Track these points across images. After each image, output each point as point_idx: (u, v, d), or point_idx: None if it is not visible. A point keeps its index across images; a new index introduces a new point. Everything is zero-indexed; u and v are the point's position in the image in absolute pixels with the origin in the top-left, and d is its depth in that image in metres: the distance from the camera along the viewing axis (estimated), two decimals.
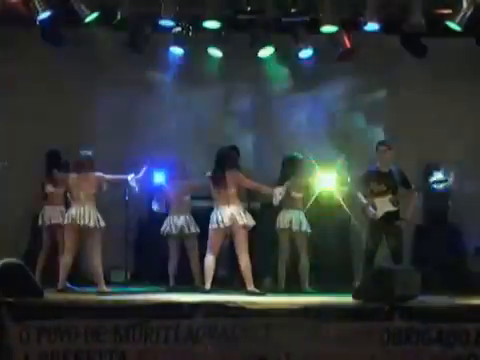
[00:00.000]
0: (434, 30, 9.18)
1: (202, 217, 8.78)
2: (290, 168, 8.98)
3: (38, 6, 8.77)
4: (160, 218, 9.10)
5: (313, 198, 9.28)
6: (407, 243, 9.29)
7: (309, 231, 8.98)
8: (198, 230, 9.01)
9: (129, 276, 9.69)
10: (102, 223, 8.41)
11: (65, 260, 8.44)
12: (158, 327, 6.84)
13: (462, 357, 7.00)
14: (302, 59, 9.89)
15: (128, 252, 9.70)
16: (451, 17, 8.81)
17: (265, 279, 9.43)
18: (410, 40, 9.88)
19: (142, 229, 10.09)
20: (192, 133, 10.25)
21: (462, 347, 6.99)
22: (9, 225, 9.84)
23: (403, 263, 8.69)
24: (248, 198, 9.29)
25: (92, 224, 8.33)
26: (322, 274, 9.35)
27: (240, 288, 8.59)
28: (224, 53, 9.93)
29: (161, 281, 9.08)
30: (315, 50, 9.80)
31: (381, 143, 8.81)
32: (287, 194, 8.79)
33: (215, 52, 9.96)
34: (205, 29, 9.41)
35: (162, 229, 9.04)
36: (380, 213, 8.59)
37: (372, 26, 9.05)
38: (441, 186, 8.61)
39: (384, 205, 8.61)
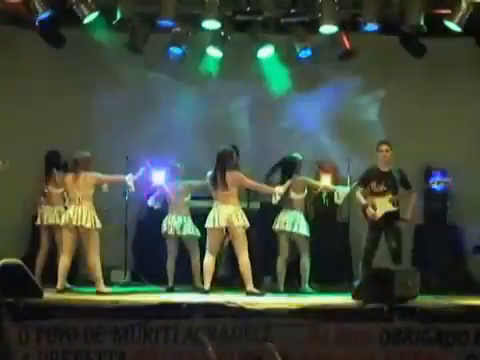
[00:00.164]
0: (433, 30, 9.16)
1: (202, 217, 8.77)
2: (290, 169, 8.98)
3: (38, 6, 8.75)
4: (160, 218, 9.09)
5: (313, 199, 9.32)
6: (407, 243, 9.29)
7: (306, 233, 8.91)
8: (197, 232, 8.98)
9: (129, 276, 9.69)
10: (98, 224, 8.41)
11: (63, 260, 8.44)
12: (157, 327, 6.85)
13: (461, 357, 7.01)
14: (302, 59, 9.88)
15: (128, 252, 9.72)
16: (450, 17, 8.79)
17: (265, 279, 9.44)
18: (409, 40, 9.88)
19: (141, 229, 10.09)
20: (192, 133, 10.24)
21: (461, 347, 7.01)
22: (9, 225, 9.84)
23: (402, 263, 8.68)
24: (248, 198, 9.28)
25: (89, 225, 8.33)
26: (322, 274, 9.34)
27: (240, 288, 8.60)
28: (224, 53, 9.93)
29: (161, 281, 9.07)
30: (314, 50, 9.79)
31: (381, 143, 8.81)
32: (286, 195, 8.79)
33: (215, 52, 9.96)
34: (205, 29, 9.40)
35: (162, 229, 9.04)
36: (380, 213, 8.59)
37: (371, 26, 9.05)
38: (441, 186, 8.60)
39: (384, 205, 8.61)
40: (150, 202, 9.10)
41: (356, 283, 8.60)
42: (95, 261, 8.37)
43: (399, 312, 7.01)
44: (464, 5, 8.63)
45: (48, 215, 9.09)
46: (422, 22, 8.82)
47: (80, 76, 10.16)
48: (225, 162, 8.56)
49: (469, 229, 10.07)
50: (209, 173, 8.66)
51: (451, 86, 10.34)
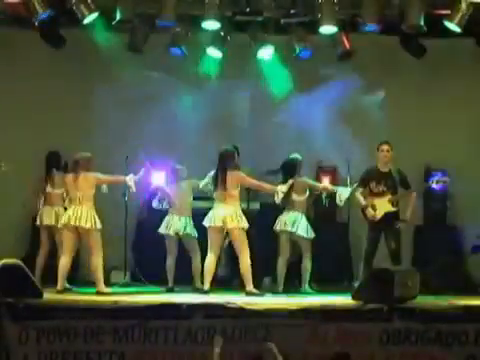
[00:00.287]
0: (433, 30, 9.16)
1: (203, 217, 8.76)
2: (291, 170, 8.97)
3: (38, 7, 8.75)
4: (160, 218, 9.09)
5: (313, 199, 9.32)
6: (406, 244, 9.30)
7: (306, 234, 8.91)
8: (196, 234, 8.98)
9: (128, 276, 9.69)
10: (99, 224, 8.41)
11: (63, 261, 8.43)
12: (157, 328, 6.85)
13: (461, 357, 7.02)
14: (301, 59, 9.88)
15: (128, 252, 9.72)
16: (450, 18, 8.79)
17: (264, 280, 9.44)
18: (409, 40, 9.89)
19: (141, 229, 10.09)
20: (192, 133, 10.23)
21: (461, 347, 7.02)
22: (9, 225, 9.85)
23: (402, 264, 8.68)
24: (248, 198, 9.28)
25: (88, 225, 8.32)
26: (322, 274, 9.34)
27: (239, 288, 8.60)
28: (223, 53, 9.94)
29: (160, 281, 9.07)
30: (314, 50, 9.80)
31: (382, 143, 8.80)
32: (288, 197, 8.78)
33: (214, 52, 9.96)
34: (204, 29, 9.40)
35: (161, 228, 9.04)
36: (379, 214, 8.59)
37: (371, 27, 9.04)
38: (439, 185, 8.60)
39: (383, 206, 8.61)
40: (154, 204, 9.11)
41: (356, 283, 8.61)
42: (97, 262, 8.37)
43: (399, 312, 7.01)
44: (464, 5, 8.63)
45: (48, 215, 9.09)
46: (422, 22, 8.82)
47: (80, 76, 10.16)
48: (226, 162, 8.56)
49: (468, 229, 10.08)
50: (211, 173, 8.67)
51: (451, 86, 10.34)
